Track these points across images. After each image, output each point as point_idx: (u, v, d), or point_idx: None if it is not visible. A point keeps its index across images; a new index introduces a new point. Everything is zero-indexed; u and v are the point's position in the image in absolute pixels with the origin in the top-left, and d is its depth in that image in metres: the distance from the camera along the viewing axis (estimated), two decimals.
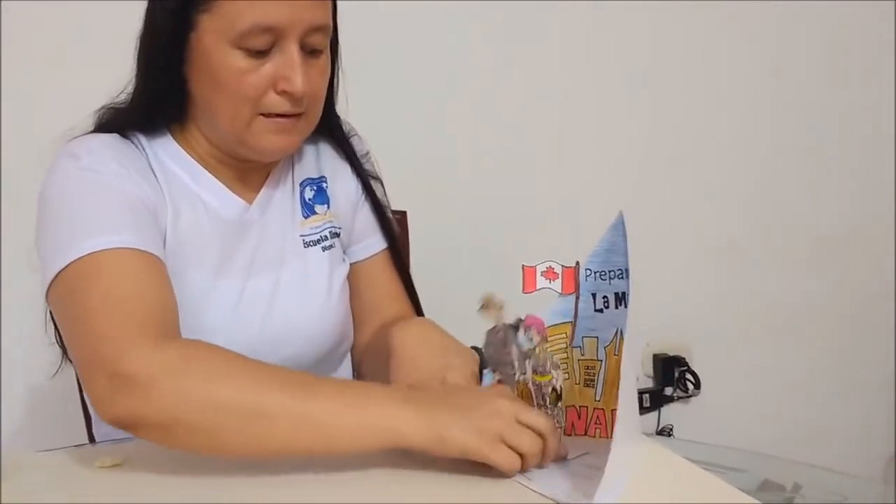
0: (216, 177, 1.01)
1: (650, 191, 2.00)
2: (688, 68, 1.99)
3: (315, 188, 1.07)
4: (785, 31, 2.01)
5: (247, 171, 1.03)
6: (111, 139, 0.96)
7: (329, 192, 1.09)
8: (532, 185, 1.91)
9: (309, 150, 1.11)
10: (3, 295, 1.56)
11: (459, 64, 1.83)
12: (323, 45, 0.95)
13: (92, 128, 1.00)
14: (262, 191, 1.04)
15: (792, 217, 2.09)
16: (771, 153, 2.06)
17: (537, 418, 0.78)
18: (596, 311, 0.88)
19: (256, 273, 1.00)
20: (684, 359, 2.05)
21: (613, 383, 0.89)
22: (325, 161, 1.11)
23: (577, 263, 0.88)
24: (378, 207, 1.13)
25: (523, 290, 0.84)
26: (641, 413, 1.97)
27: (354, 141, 1.13)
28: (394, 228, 1.15)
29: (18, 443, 1.55)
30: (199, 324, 0.93)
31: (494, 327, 0.86)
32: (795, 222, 2.09)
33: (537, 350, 0.85)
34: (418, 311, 1.14)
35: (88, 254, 0.83)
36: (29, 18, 1.55)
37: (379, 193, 1.14)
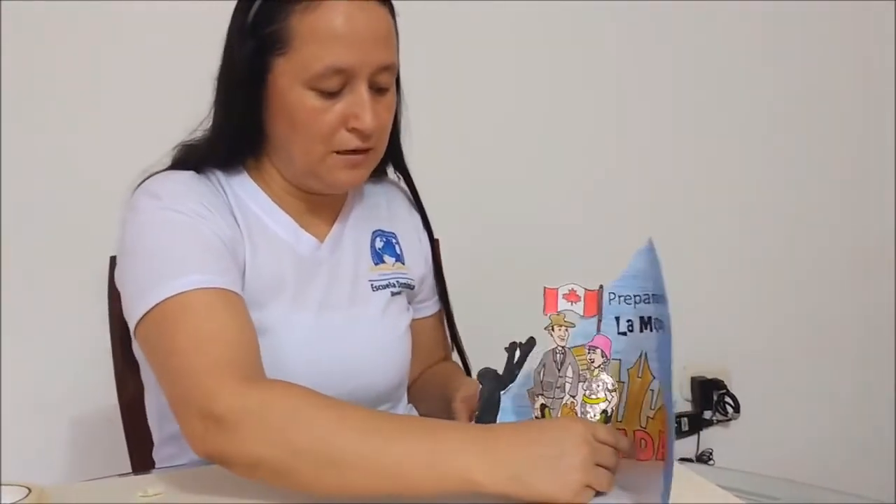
0: (288, 213, 1.05)
1: (687, 211, 2.00)
2: (723, 87, 1.99)
3: (385, 240, 1.12)
4: (825, 52, 2.01)
5: (317, 207, 1.07)
6: (189, 178, 1.00)
7: (400, 249, 1.13)
8: (565, 209, 1.93)
9: (381, 202, 1.15)
10: (46, 329, 1.59)
11: (488, 90, 1.85)
12: (389, 83, 0.99)
13: (168, 164, 1.03)
14: (333, 229, 1.08)
15: (831, 235, 2.07)
16: (807, 169, 2.05)
17: (612, 435, 0.82)
18: (619, 334, 0.90)
19: (328, 308, 1.03)
20: (723, 382, 2.04)
21: (636, 405, 0.90)
22: (396, 217, 1.15)
23: (601, 287, 0.89)
24: (439, 271, 1.20)
25: (544, 311, 0.86)
26: (679, 438, 1.98)
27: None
28: (445, 288, 1.20)
29: (64, 472, 1.58)
30: (276, 355, 0.95)
31: (554, 348, 0.87)
32: (835, 240, 2.07)
33: (595, 372, 0.86)
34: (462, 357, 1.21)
35: (174, 295, 0.86)
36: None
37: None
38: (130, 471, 1.20)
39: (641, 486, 0.81)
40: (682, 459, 1.92)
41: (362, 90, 0.95)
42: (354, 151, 0.98)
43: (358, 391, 1.02)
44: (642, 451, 0.90)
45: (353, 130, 0.96)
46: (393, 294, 1.09)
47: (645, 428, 0.90)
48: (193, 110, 1.38)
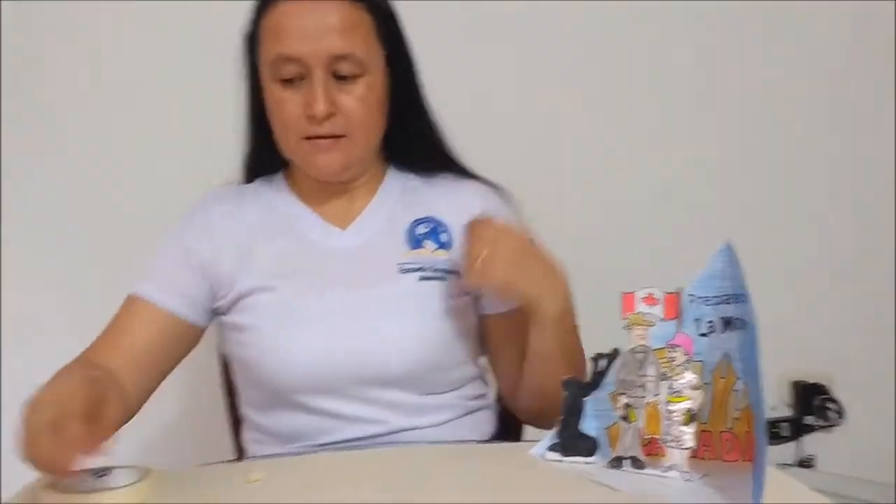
0: (313, 206, 1.14)
1: (785, 211, 1.96)
2: (805, 89, 1.95)
3: (430, 227, 1.14)
4: None
5: (345, 199, 1.15)
6: (214, 198, 1.16)
7: (448, 237, 1.13)
8: (646, 210, 1.91)
9: (439, 193, 1.17)
10: None
11: (560, 89, 1.86)
12: (352, 72, 1.04)
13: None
14: (357, 219, 1.14)
15: None
16: None
17: None
18: (700, 335, 0.90)
19: (341, 290, 1.08)
20: (825, 386, 1.98)
21: (721, 406, 0.90)
22: (454, 207, 1.15)
23: (680, 289, 0.90)
24: None
25: (622, 315, 0.88)
26: (779, 443, 1.94)
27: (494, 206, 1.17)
28: None
29: (169, 458, 1.66)
30: (294, 336, 1.05)
31: (635, 347, 0.89)
32: None
33: (678, 371, 0.86)
34: None
35: (132, 293, 1.08)
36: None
37: None
38: (236, 457, 1.27)
39: (730, 487, 0.81)
40: (782, 465, 1.89)
41: (316, 78, 1.02)
42: (321, 137, 1.05)
43: (366, 371, 1.05)
44: (729, 452, 0.90)
45: (309, 118, 1.03)
46: (423, 278, 1.10)
47: (731, 429, 0.90)
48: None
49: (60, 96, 1.66)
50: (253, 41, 1.08)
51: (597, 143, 1.88)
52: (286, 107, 1.04)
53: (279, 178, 1.18)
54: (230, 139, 1.56)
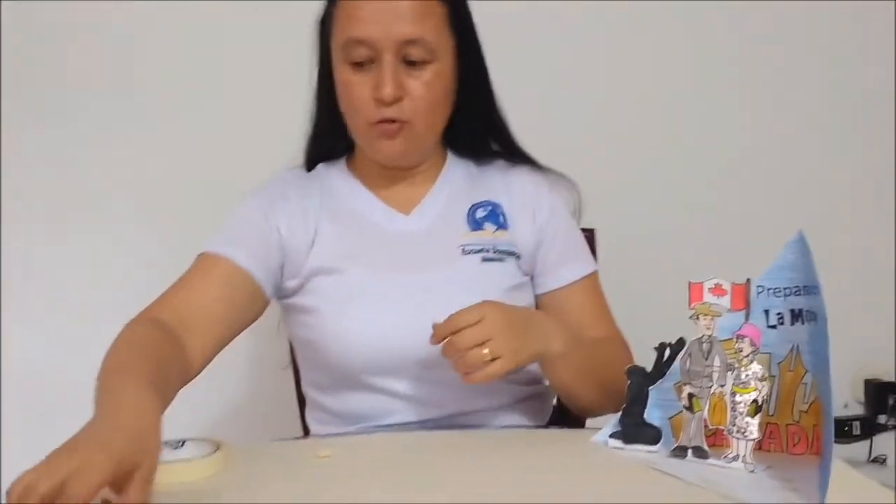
0: (375, 191, 1.16)
1: (853, 208, 1.91)
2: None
3: (488, 210, 1.16)
4: None
5: (407, 184, 1.16)
6: (286, 176, 1.19)
7: (504, 219, 1.16)
8: (721, 199, 1.89)
9: (496, 177, 1.19)
10: None
11: (646, 82, 1.85)
12: (422, 57, 1.05)
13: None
14: (420, 203, 1.16)
15: None
16: None
17: None
18: (769, 327, 0.89)
19: (406, 272, 1.09)
20: None
21: (788, 399, 0.89)
22: (509, 189, 1.18)
23: (748, 280, 0.89)
24: (571, 242, 1.19)
25: (689, 305, 0.87)
26: (851, 441, 1.89)
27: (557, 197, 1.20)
28: (590, 258, 1.20)
29: (240, 433, 1.70)
30: (360, 318, 1.07)
31: (701, 337, 0.88)
32: None
33: (744, 362, 0.85)
34: None
35: (206, 252, 1.07)
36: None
37: (567, 225, 1.20)
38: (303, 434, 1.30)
39: (794, 480, 0.80)
40: (852, 462, 1.84)
41: (386, 62, 1.03)
42: (385, 122, 1.06)
43: (431, 352, 0.99)
44: (795, 445, 0.89)
45: (377, 101, 1.04)
46: (485, 259, 1.11)
47: (798, 422, 0.89)
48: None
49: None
50: (326, 25, 1.10)
51: (670, 133, 1.86)
52: (355, 89, 1.06)
53: (341, 164, 1.20)
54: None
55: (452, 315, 0.94)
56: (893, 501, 0.74)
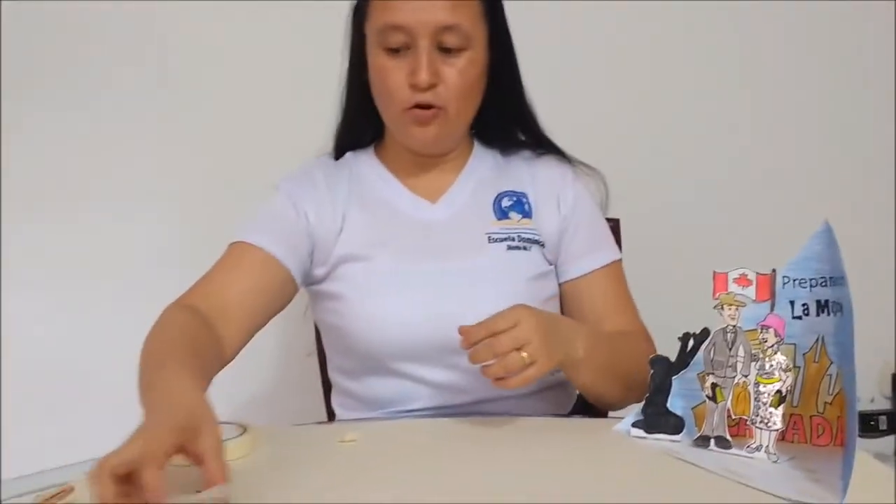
0: (403, 179, 1.17)
1: (886, 199, 1.89)
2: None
3: (514, 199, 1.17)
4: None
5: (432, 172, 1.17)
6: (314, 165, 1.19)
7: (530, 207, 1.17)
8: (749, 192, 1.88)
9: (521, 166, 1.20)
10: None
11: (669, 77, 1.85)
12: (457, 44, 1.06)
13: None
14: (447, 192, 1.16)
15: None
16: None
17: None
18: (794, 318, 0.89)
19: (434, 261, 1.10)
20: None
21: (812, 390, 0.89)
22: (534, 179, 1.19)
23: (774, 271, 0.89)
24: (595, 230, 1.19)
25: (713, 295, 0.87)
26: (877, 436, 1.87)
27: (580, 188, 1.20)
28: (614, 247, 1.20)
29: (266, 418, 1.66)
30: (387, 305, 1.08)
31: (725, 327, 0.88)
32: None
33: (769, 352, 0.85)
34: None
35: (238, 241, 1.09)
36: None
37: (592, 215, 1.20)
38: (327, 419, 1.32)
39: (817, 471, 0.80)
40: (879, 456, 1.82)
41: (422, 48, 1.04)
42: (420, 107, 1.06)
43: (458, 338, 0.97)
44: (820, 436, 0.89)
45: (412, 87, 1.05)
46: (510, 248, 1.12)
47: (822, 413, 0.89)
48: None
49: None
50: (361, 12, 1.11)
51: (695, 126, 1.85)
52: (390, 74, 1.06)
53: (370, 152, 1.21)
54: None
55: (487, 319, 0.93)
56: None
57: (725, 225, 1.86)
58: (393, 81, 1.06)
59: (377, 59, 1.08)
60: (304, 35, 1.64)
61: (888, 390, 1.94)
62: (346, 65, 1.17)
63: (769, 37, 1.87)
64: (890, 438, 1.90)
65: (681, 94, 1.85)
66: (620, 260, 1.20)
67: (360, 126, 1.19)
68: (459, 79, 1.07)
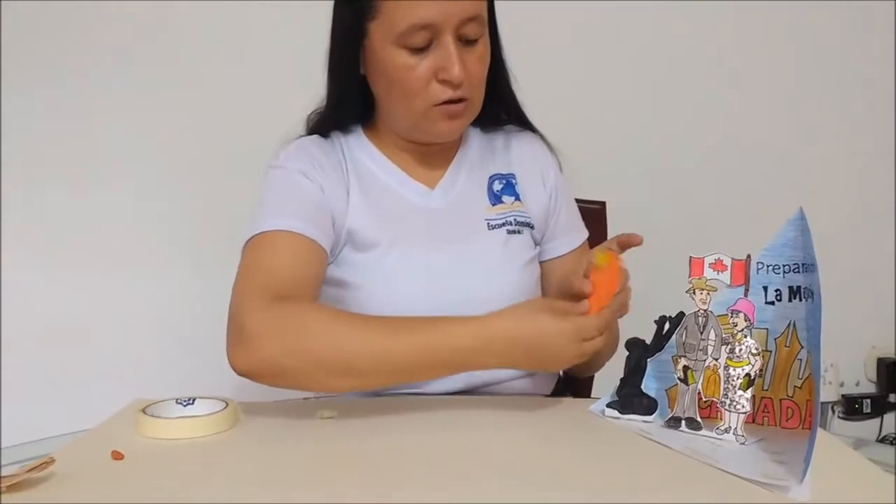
0: (400, 166, 1.15)
1: (870, 184, 1.91)
2: None
3: (504, 182, 1.17)
4: None
5: (427, 158, 1.16)
6: (307, 141, 1.14)
7: (519, 188, 1.18)
8: (736, 178, 1.89)
9: (499, 146, 1.21)
10: None
11: (674, 62, 1.85)
12: (477, 33, 1.05)
13: (304, 130, 1.18)
14: (445, 177, 1.16)
15: None
16: None
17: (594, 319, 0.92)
18: (767, 303, 0.90)
19: (440, 248, 1.10)
20: None
21: (783, 374, 0.90)
22: (516, 159, 1.20)
23: (749, 256, 0.90)
24: (571, 209, 1.22)
25: (688, 280, 0.88)
26: (861, 419, 1.90)
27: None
28: (583, 225, 1.23)
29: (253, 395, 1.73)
30: (390, 292, 1.07)
31: (697, 311, 0.90)
32: None
33: (738, 336, 0.87)
34: None
35: (262, 232, 1.02)
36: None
37: (568, 189, 1.22)
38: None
39: (783, 452, 0.82)
40: (860, 440, 1.85)
41: (448, 42, 1.02)
42: (451, 102, 1.05)
43: None
44: (789, 419, 0.91)
45: (443, 82, 1.03)
46: (509, 232, 1.14)
47: (792, 397, 0.90)
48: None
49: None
50: (364, 10, 1.05)
51: (695, 126, 1.86)
52: (414, 73, 1.03)
53: (358, 135, 1.18)
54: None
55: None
56: (893, 484, 0.74)
57: (707, 213, 1.87)
58: (418, 79, 1.04)
59: (397, 59, 1.04)
60: (303, 31, 1.65)
61: (874, 374, 1.96)
62: (331, 48, 1.13)
63: (761, 31, 1.89)
64: (875, 422, 1.92)
65: (681, 94, 1.87)
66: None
67: (344, 111, 1.16)
68: (480, 67, 1.06)
